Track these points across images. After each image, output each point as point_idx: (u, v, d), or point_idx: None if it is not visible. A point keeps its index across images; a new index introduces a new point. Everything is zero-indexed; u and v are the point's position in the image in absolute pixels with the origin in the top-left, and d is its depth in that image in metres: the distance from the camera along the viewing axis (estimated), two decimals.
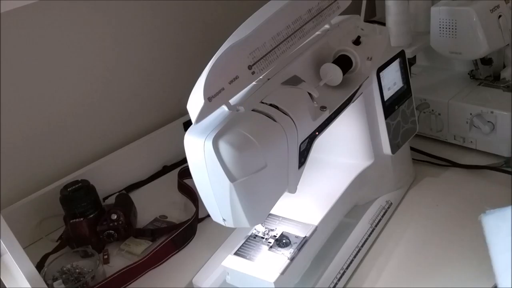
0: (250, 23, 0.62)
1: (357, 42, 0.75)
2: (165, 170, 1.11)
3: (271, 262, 0.69)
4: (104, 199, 1.00)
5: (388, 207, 0.85)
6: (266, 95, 0.63)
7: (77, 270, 0.83)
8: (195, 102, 0.55)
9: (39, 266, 0.84)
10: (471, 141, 0.97)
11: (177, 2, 1.11)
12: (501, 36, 0.93)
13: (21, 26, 0.90)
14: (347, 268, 0.74)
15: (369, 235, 0.79)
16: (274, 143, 0.60)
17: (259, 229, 0.74)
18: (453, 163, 0.95)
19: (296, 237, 0.72)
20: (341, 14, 0.77)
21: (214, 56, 0.57)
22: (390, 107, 0.82)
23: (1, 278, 0.72)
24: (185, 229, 0.88)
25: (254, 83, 0.64)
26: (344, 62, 0.73)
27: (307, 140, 0.66)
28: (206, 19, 1.18)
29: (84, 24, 0.98)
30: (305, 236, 0.72)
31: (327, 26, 0.77)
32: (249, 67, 0.60)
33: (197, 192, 0.62)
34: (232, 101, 0.61)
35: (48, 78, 0.96)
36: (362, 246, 0.77)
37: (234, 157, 0.57)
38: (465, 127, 0.96)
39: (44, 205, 0.95)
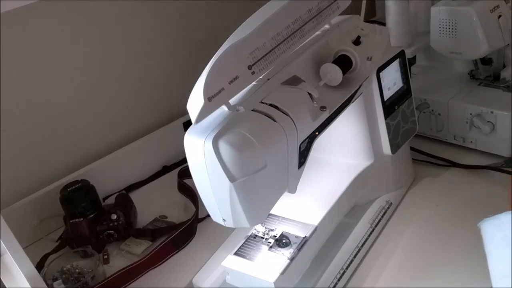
0: (250, 23, 0.62)
1: (357, 42, 0.75)
2: (165, 170, 1.11)
3: (271, 262, 0.69)
4: (104, 199, 1.00)
5: (388, 207, 0.85)
6: (266, 95, 0.63)
7: (77, 270, 0.83)
8: (195, 102, 0.55)
9: (39, 266, 0.84)
10: (471, 141, 0.97)
11: (177, 2, 1.11)
12: (501, 36, 0.93)
13: (21, 26, 0.90)
14: (347, 268, 0.74)
15: (369, 235, 0.79)
16: (274, 143, 0.60)
17: (259, 229, 0.74)
18: (453, 163, 0.95)
19: (296, 237, 0.72)
20: (341, 14, 0.77)
21: (214, 56, 0.57)
22: (390, 107, 0.82)
23: (1, 278, 0.72)
24: (185, 229, 0.88)
25: (254, 83, 0.64)
26: (344, 62, 0.73)
27: (307, 140, 0.66)
28: (206, 19, 1.18)
29: (84, 23, 0.98)
30: (305, 236, 0.72)
31: (327, 26, 0.77)
32: (249, 67, 0.60)
33: (197, 192, 0.62)
34: (232, 101, 0.61)
35: (48, 77, 0.96)
36: (362, 246, 0.77)
37: (234, 157, 0.57)
38: (465, 127, 0.96)
39: (44, 205, 0.95)
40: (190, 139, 0.59)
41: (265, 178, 0.60)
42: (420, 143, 1.01)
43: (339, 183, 0.81)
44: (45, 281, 0.77)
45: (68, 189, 0.89)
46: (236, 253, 0.71)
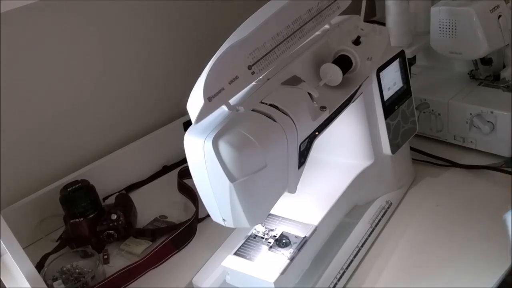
0: (250, 23, 0.62)
1: (357, 42, 0.75)
2: (165, 170, 1.11)
3: (271, 262, 0.69)
4: (104, 199, 1.00)
5: (388, 207, 0.85)
6: (266, 95, 0.63)
7: (77, 270, 0.83)
8: (195, 102, 0.55)
9: (39, 266, 0.84)
10: (471, 141, 0.97)
11: (177, 2, 1.11)
12: (501, 36, 0.93)
13: (21, 26, 0.90)
14: (347, 268, 0.74)
15: (369, 235, 0.79)
16: (274, 143, 0.60)
17: (259, 229, 0.74)
18: (453, 163, 0.95)
19: (296, 237, 0.72)
20: (341, 14, 0.77)
21: (214, 56, 0.57)
22: (390, 107, 0.82)
23: (1, 278, 0.72)
24: (185, 229, 0.88)
25: (254, 83, 0.64)
26: (344, 62, 0.73)
27: (307, 140, 0.66)
28: (206, 19, 1.18)
29: (84, 24, 0.98)
30: (305, 236, 0.72)
31: (327, 26, 0.77)
32: (249, 67, 0.60)
33: (197, 192, 0.62)
34: (232, 101, 0.61)
35: (48, 77, 0.96)
36: (362, 246, 0.77)
37: (234, 157, 0.57)
38: (465, 127, 0.96)
39: (44, 205, 0.95)
40: (190, 139, 0.59)
41: (265, 178, 0.60)
42: (420, 143, 1.01)
43: (339, 183, 0.81)
44: (45, 281, 0.77)
45: (68, 189, 0.89)
46: (236, 253, 0.71)
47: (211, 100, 0.55)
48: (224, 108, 0.60)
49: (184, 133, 0.59)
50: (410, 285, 0.72)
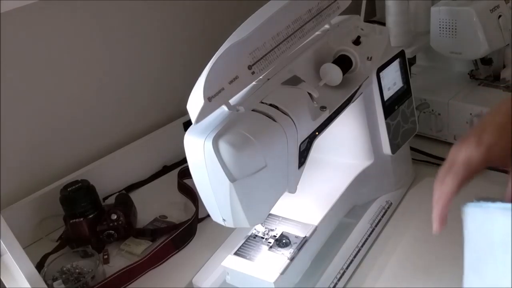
0: (250, 23, 0.62)
1: (357, 42, 0.75)
2: (165, 170, 1.11)
3: (271, 262, 0.69)
4: (104, 199, 1.00)
5: (388, 207, 0.85)
6: (266, 95, 0.63)
7: (77, 270, 0.83)
8: (195, 102, 0.55)
9: (39, 266, 0.84)
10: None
11: (177, 2, 1.11)
12: (501, 36, 0.93)
13: (21, 26, 0.90)
14: (347, 268, 0.74)
15: (369, 235, 0.79)
16: (274, 143, 0.60)
17: (259, 229, 0.74)
18: None
19: (296, 237, 0.72)
20: (341, 14, 0.77)
21: (214, 56, 0.57)
22: (390, 107, 0.82)
23: (1, 278, 0.72)
24: (185, 229, 0.88)
25: (254, 83, 0.64)
26: (344, 62, 0.73)
27: (307, 140, 0.66)
28: (206, 19, 1.18)
29: (85, 24, 0.98)
30: (305, 236, 0.72)
31: (327, 26, 0.77)
32: (249, 67, 0.61)
33: (197, 192, 0.62)
34: (232, 101, 0.61)
35: (48, 77, 0.96)
36: (362, 246, 0.77)
37: (234, 157, 0.57)
38: (465, 127, 0.96)
39: (44, 205, 0.95)
40: (190, 139, 0.59)
41: (265, 178, 0.60)
42: (420, 143, 1.01)
43: (339, 183, 0.81)
44: (45, 281, 0.77)
45: (68, 189, 0.89)
46: (236, 253, 0.71)
47: (211, 100, 0.55)
48: (224, 108, 0.60)
49: (184, 133, 0.59)
50: (410, 285, 0.72)
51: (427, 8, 1.01)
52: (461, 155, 0.53)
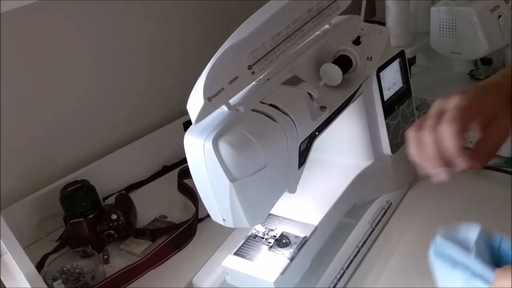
0: (250, 23, 0.62)
1: (357, 42, 0.75)
2: (165, 170, 1.11)
3: (271, 262, 0.69)
4: (104, 199, 1.00)
5: (388, 207, 0.85)
6: (266, 95, 0.63)
7: (77, 270, 0.83)
8: (195, 102, 0.55)
9: (39, 266, 0.84)
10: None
11: (177, 2, 1.11)
12: (501, 36, 0.93)
13: (21, 26, 0.90)
14: (347, 268, 0.74)
15: (369, 235, 0.79)
16: (274, 143, 0.60)
17: (259, 229, 0.74)
18: None
19: (296, 237, 0.72)
20: (341, 14, 0.77)
21: (214, 56, 0.57)
22: (390, 107, 0.82)
23: (1, 278, 0.72)
24: (185, 229, 0.88)
25: (254, 83, 0.64)
26: (344, 62, 0.73)
27: (307, 140, 0.66)
28: (206, 19, 1.18)
29: (84, 24, 0.98)
30: (305, 236, 0.72)
31: (327, 26, 0.77)
32: (249, 67, 0.60)
33: (197, 192, 0.62)
34: (232, 101, 0.61)
35: (48, 78, 0.96)
36: (362, 246, 0.77)
37: (234, 157, 0.57)
38: None
39: (44, 205, 0.95)
40: (190, 139, 0.59)
41: (265, 178, 0.60)
42: None
43: (339, 183, 0.81)
44: (45, 281, 0.77)
45: (68, 189, 0.89)
46: (236, 253, 0.71)
47: (211, 100, 0.55)
48: (224, 108, 0.60)
49: (184, 133, 0.59)
50: (410, 285, 0.72)
51: (427, 8, 1.01)
52: (450, 102, 0.52)
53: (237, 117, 0.59)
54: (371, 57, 0.76)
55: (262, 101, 0.62)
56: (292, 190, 0.66)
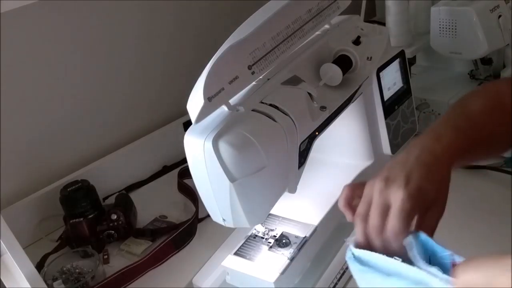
0: (250, 23, 0.62)
1: (357, 42, 0.75)
2: (165, 170, 1.11)
3: (271, 262, 0.69)
4: (104, 199, 1.00)
5: None
6: (266, 95, 0.63)
7: (77, 270, 0.83)
8: (195, 102, 0.55)
9: (39, 266, 0.84)
10: None
11: (176, 2, 1.11)
12: (501, 36, 0.93)
13: (21, 26, 0.90)
14: (347, 268, 0.74)
15: None
16: (274, 143, 0.60)
17: (259, 229, 0.74)
18: None
19: (296, 237, 0.72)
20: (341, 14, 0.77)
21: (214, 56, 0.57)
22: (390, 107, 0.82)
23: (1, 278, 0.72)
24: (185, 229, 0.88)
25: (254, 83, 0.64)
26: (344, 62, 0.73)
27: (307, 140, 0.66)
28: (206, 19, 1.18)
29: (85, 24, 0.98)
30: (305, 236, 0.72)
31: (327, 26, 0.77)
32: (249, 67, 0.60)
33: (197, 192, 0.62)
34: (232, 101, 0.61)
35: (48, 77, 0.96)
36: None
37: (234, 157, 0.57)
38: None
39: (44, 205, 0.95)
40: (190, 139, 0.58)
41: (265, 178, 0.60)
42: None
43: (339, 183, 0.81)
44: (45, 281, 0.77)
45: (68, 189, 0.89)
46: (236, 253, 0.71)
47: (211, 100, 0.55)
48: (224, 108, 0.60)
49: (184, 133, 0.59)
50: None
51: (427, 8, 1.01)
52: (394, 197, 0.50)
53: (237, 117, 0.59)
54: (371, 57, 0.76)
55: (262, 101, 0.62)
56: (292, 190, 0.66)
